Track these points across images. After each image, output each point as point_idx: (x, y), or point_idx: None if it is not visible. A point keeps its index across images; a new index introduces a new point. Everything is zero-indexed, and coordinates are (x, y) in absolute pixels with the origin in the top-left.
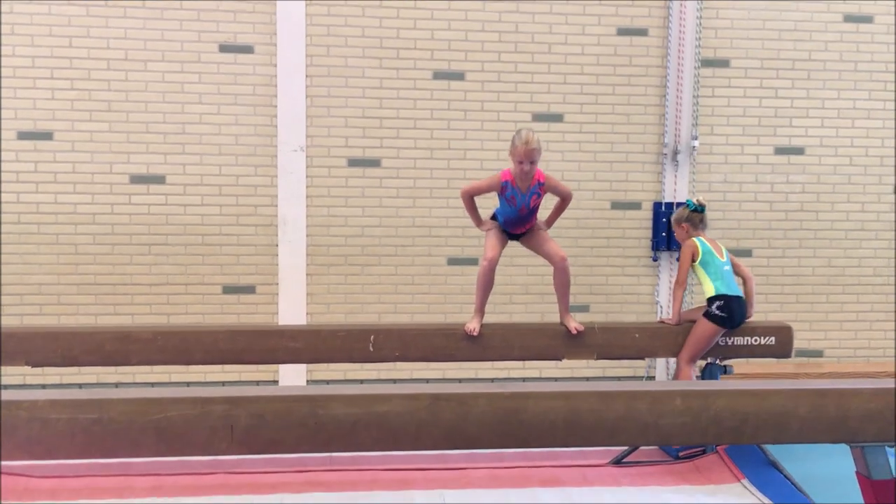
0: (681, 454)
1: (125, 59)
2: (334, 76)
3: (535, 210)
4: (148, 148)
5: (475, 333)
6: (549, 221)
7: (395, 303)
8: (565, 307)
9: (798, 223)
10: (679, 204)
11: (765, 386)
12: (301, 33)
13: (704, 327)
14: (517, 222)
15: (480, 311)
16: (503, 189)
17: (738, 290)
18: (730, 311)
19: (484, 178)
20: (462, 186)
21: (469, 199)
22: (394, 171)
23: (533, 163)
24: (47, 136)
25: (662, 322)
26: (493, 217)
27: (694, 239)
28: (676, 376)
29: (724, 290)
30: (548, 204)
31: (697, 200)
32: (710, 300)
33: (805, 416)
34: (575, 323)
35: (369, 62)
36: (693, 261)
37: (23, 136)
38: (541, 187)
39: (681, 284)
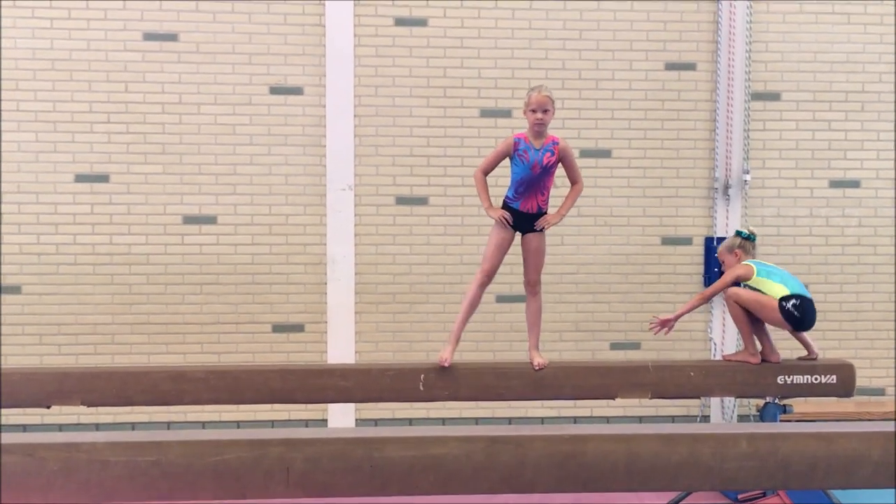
0: (740, 497)
1: (179, 102)
2: (382, 116)
3: (548, 172)
4: (200, 189)
5: (447, 364)
6: (561, 209)
7: (443, 341)
8: (534, 341)
9: (855, 257)
10: None
11: (834, 429)
12: (349, 74)
13: (771, 313)
14: (529, 187)
15: (457, 338)
16: (516, 145)
17: (810, 294)
18: (803, 312)
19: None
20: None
21: (482, 176)
22: (441, 209)
23: (546, 111)
24: (103, 178)
25: (657, 321)
26: (504, 205)
27: (745, 262)
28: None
29: (798, 291)
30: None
31: (749, 229)
32: (784, 298)
33: (878, 460)
34: (540, 358)
35: (417, 101)
36: (743, 280)
37: (80, 178)
38: (555, 146)
39: (704, 297)
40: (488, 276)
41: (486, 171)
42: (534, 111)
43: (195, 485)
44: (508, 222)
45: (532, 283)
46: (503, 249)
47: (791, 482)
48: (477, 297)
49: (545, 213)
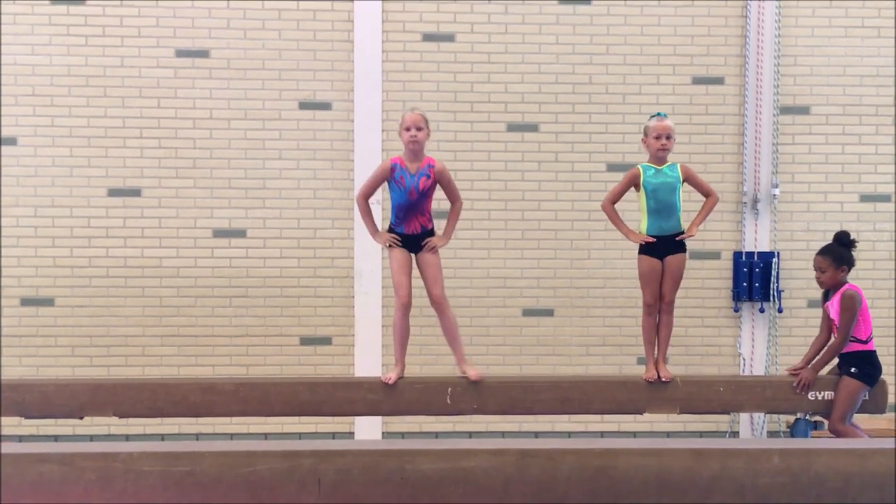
0: None
1: (210, 118)
2: None
3: (425, 197)
4: (230, 203)
5: (391, 383)
6: (446, 232)
7: (469, 354)
8: (460, 354)
9: (887, 272)
10: (762, 253)
11: (867, 445)
12: (377, 89)
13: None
14: (408, 212)
15: (402, 361)
16: (392, 171)
17: None
18: None
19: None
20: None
21: (364, 202)
22: (468, 223)
23: (420, 129)
24: (136, 192)
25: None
26: (390, 229)
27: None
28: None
29: None
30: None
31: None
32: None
33: None
34: (473, 370)
35: (444, 116)
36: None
37: (113, 192)
38: (430, 169)
39: None
40: (407, 300)
41: (367, 196)
42: (407, 129)
43: (228, 495)
44: (397, 243)
45: (437, 300)
46: (407, 271)
47: (825, 498)
48: (405, 325)
49: (430, 230)
